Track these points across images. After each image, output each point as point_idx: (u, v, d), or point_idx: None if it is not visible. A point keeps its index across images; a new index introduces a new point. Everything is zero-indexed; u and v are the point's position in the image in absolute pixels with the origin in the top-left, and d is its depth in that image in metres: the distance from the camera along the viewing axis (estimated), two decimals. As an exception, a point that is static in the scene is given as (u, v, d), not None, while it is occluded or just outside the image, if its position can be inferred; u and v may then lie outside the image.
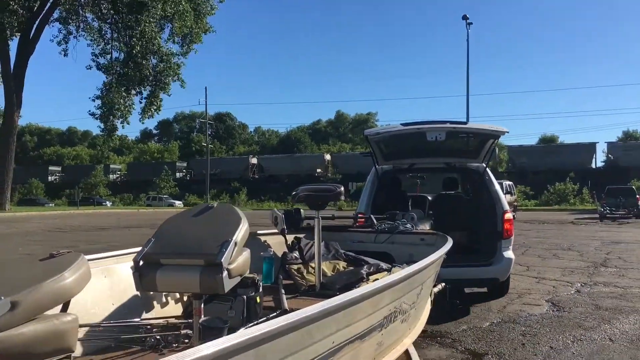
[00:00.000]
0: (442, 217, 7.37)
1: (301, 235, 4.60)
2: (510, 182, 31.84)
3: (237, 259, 2.62)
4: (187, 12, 35.39)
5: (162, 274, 2.62)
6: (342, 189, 3.74)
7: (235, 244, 2.61)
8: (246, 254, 2.76)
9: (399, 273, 2.75)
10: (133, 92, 37.45)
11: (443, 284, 5.37)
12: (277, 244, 4.55)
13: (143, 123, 46.41)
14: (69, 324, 1.69)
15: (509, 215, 6.64)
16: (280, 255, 4.39)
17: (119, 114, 37.40)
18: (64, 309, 1.86)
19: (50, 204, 58.05)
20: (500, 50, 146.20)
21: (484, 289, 7.14)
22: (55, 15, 37.73)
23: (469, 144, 7.31)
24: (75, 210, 44.68)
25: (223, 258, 2.50)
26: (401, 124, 6.63)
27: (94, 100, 37.34)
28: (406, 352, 3.51)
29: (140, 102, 37.88)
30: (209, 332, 2.32)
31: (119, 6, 35.11)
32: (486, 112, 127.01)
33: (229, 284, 2.54)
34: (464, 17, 36.83)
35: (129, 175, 74.08)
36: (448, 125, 6.32)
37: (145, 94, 37.74)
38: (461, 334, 5.54)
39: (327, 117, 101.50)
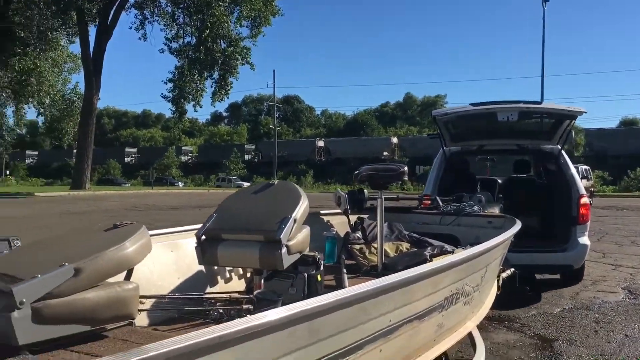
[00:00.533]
0: (513, 201, 7.12)
1: (365, 216, 4.56)
2: (587, 167, 30.39)
3: (297, 236, 2.62)
4: (257, -5, 35.70)
5: (223, 249, 2.65)
6: (406, 169, 3.65)
7: (295, 220, 2.60)
8: (306, 231, 2.74)
9: (461, 254, 2.67)
10: (205, 75, 38.37)
11: (512, 270, 5.20)
12: (340, 224, 4.54)
13: (214, 106, 47.51)
14: (130, 292, 1.74)
15: (585, 200, 6.33)
16: (343, 235, 4.36)
17: (191, 97, 38.47)
18: (127, 277, 1.91)
19: (127, 184, 60.69)
20: (578, 28, 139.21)
21: (557, 276, 6.87)
22: (131, 1, 39.07)
23: (542, 125, 7.01)
24: (149, 190, 46.49)
25: (282, 234, 2.50)
26: (470, 104, 6.42)
27: (166, 83, 38.59)
28: (470, 335, 3.41)
29: (211, 87, 38.81)
30: (263, 304, 2.32)
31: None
32: (562, 93, 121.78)
33: (288, 261, 2.54)
34: (540, -6, 35.21)
35: (200, 157, 76.19)
36: (521, 105, 6.07)
37: (215, 77, 38.59)
38: (530, 319, 5.38)
39: (395, 100, 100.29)
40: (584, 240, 6.19)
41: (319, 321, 1.64)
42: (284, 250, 2.52)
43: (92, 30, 38.85)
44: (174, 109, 39.49)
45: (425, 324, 2.39)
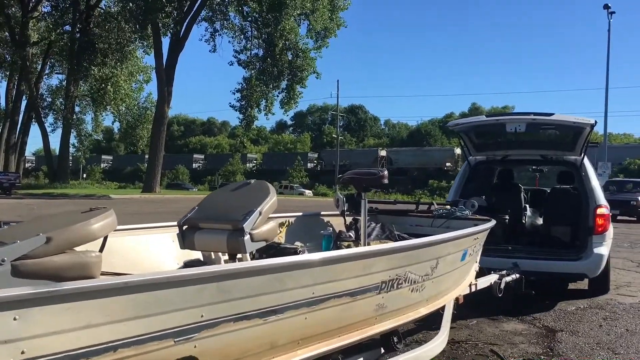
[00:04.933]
0: (553, 211, 7.32)
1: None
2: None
3: (261, 227, 3.03)
4: (324, 8, 36.38)
5: (199, 236, 3.13)
6: (385, 173, 4.00)
7: (260, 213, 3.02)
8: (272, 223, 3.17)
9: (398, 243, 3.01)
10: (271, 86, 39.50)
11: (518, 275, 5.48)
12: (338, 224, 4.93)
13: (286, 115, 48.59)
14: (93, 259, 2.21)
15: (602, 210, 6.42)
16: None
17: (262, 106, 39.72)
18: (101, 249, 2.38)
19: (194, 189, 62.83)
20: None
21: (585, 286, 6.92)
22: (203, 15, 40.82)
23: (564, 136, 7.13)
24: (214, 195, 48.11)
25: (246, 224, 2.93)
26: (485, 115, 6.66)
27: (234, 94, 40.09)
28: (440, 321, 3.72)
29: (278, 96, 39.92)
30: None
31: (262, 5, 36.98)
32: (629, 106, 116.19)
33: (250, 247, 2.96)
34: (606, 7, 33.85)
35: (264, 164, 77.83)
36: (529, 117, 6.28)
37: (282, 87, 39.64)
38: (543, 314, 5.75)
39: (460, 110, 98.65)
40: (601, 250, 6.25)
41: (228, 283, 2.07)
42: (247, 237, 2.94)
43: (165, 43, 40.86)
44: (241, 117, 40.88)
45: (360, 302, 2.74)
